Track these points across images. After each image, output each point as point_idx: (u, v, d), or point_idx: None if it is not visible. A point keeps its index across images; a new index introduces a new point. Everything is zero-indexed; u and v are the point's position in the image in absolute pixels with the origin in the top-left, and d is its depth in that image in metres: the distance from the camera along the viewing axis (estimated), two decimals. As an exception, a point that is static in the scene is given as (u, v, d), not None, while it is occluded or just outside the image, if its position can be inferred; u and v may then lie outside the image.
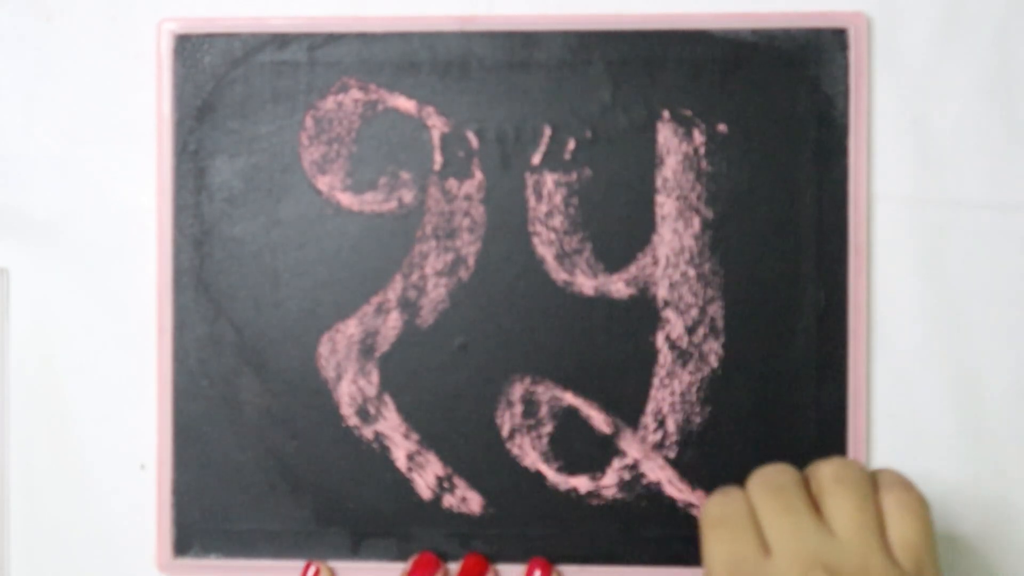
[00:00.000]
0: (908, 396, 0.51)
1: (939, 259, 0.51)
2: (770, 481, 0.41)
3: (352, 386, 0.50)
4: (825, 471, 0.41)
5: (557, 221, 0.50)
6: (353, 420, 0.50)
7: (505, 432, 0.50)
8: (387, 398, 0.50)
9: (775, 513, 0.39)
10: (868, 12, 0.50)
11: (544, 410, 0.50)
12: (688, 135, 0.50)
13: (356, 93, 0.50)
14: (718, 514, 0.40)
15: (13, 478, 0.52)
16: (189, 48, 0.50)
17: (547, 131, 0.50)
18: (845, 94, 0.50)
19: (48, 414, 0.51)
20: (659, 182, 0.50)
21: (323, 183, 0.50)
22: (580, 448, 0.50)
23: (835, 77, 0.50)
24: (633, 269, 0.50)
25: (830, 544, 0.39)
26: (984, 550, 0.51)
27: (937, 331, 0.51)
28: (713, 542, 0.40)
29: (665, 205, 0.50)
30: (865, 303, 0.50)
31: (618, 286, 0.50)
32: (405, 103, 0.50)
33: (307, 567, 0.49)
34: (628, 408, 0.50)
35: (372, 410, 0.50)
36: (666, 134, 0.50)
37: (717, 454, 0.50)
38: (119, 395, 0.51)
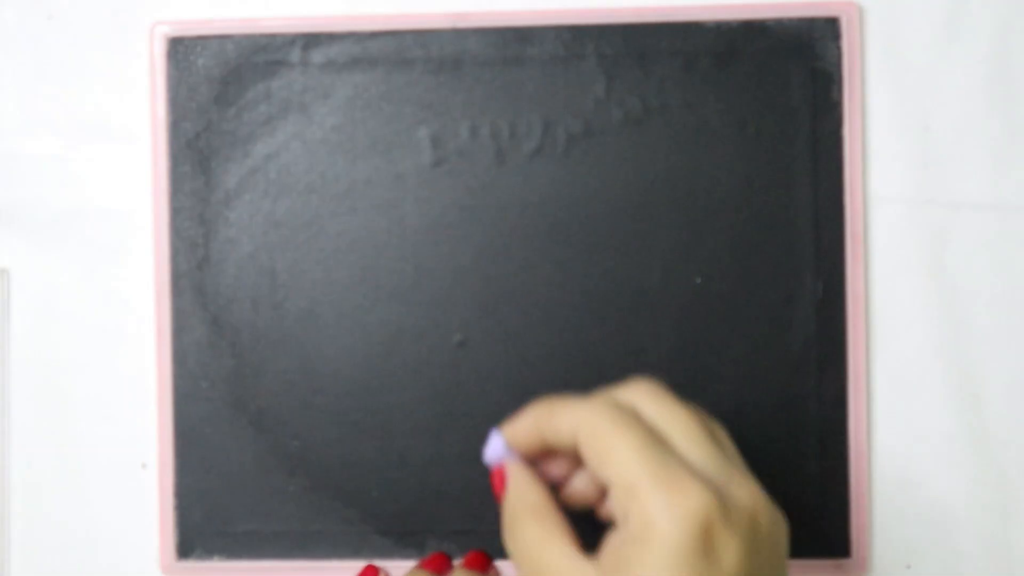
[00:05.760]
0: (908, 394, 0.51)
1: (938, 256, 0.51)
2: (657, 389, 0.39)
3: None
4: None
5: (552, 216, 0.50)
6: (354, 419, 0.50)
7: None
8: (387, 397, 0.50)
9: (685, 424, 0.38)
10: (860, 2, 0.50)
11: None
12: (682, 127, 0.50)
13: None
14: (609, 414, 0.38)
15: (14, 479, 0.52)
16: (182, 51, 0.50)
17: (541, 126, 0.50)
18: (839, 83, 0.50)
19: (48, 414, 0.52)
20: (654, 174, 0.50)
21: (319, 182, 0.51)
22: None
23: (829, 66, 0.50)
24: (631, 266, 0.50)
25: (735, 464, 0.38)
26: (984, 551, 0.50)
27: (937, 331, 0.51)
28: (627, 447, 0.37)
29: (661, 198, 0.50)
30: (863, 293, 0.50)
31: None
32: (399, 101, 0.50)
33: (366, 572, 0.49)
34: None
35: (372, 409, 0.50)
36: (659, 127, 0.50)
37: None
38: (119, 395, 0.51)
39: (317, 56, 0.50)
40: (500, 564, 0.50)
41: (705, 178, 0.50)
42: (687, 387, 0.50)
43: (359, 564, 0.50)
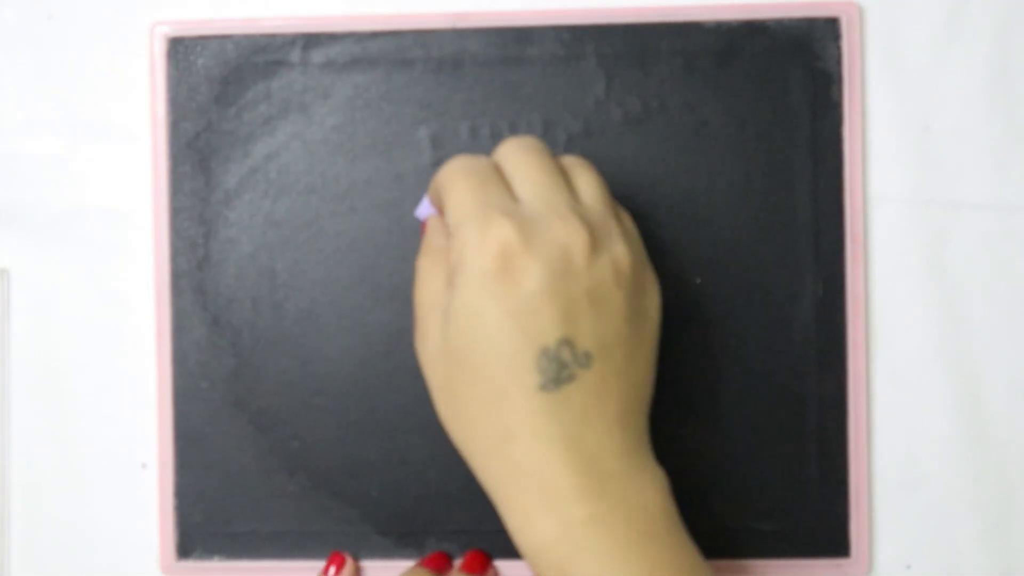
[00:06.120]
0: (908, 394, 0.50)
1: (938, 256, 0.51)
2: (524, 143, 0.43)
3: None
4: (566, 158, 0.44)
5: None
6: (354, 419, 0.50)
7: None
8: (387, 397, 0.50)
9: (529, 169, 0.42)
10: (860, 2, 0.50)
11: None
12: (682, 127, 0.50)
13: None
14: (463, 166, 0.42)
15: (14, 479, 0.52)
16: (182, 51, 0.50)
17: (541, 126, 0.50)
18: (839, 83, 0.50)
19: (48, 414, 0.52)
20: (654, 174, 0.50)
21: (319, 182, 0.51)
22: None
23: (829, 66, 0.50)
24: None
25: (580, 205, 0.42)
26: (984, 551, 0.50)
27: (937, 331, 0.51)
28: (460, 192, 0.41)
29: (661, 198, 0.50)
30: (863, 293, 0.50)
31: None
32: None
33: (332, 559, 0.49)
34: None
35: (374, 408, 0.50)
36: (659, 127, 0.50)
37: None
38: (119, 395, 0.51)
39: (317, 56, 0.50)
40: (500, 564, 0.50)
41: (705, 178, 0.50)
42: (687, 387, 0.50)
43: (362, 563, 0.50)
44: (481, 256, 0.40)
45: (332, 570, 0.49)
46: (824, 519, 0.50)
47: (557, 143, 0.50)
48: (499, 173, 0.42)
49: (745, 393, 0.50)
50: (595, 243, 0.40)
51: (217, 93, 0.51)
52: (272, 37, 0.50)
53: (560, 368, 0.39)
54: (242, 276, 0.51)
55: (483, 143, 0.50)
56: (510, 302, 0.39)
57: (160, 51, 0.50)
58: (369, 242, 0.50)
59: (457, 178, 0.42)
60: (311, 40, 0.50)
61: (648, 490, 0.40)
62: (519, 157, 0.42)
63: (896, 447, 0.50)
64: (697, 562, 0.41)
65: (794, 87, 0.50)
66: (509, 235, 0.39)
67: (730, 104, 0.50)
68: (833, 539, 0.50)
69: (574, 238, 0.40)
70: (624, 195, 0.50)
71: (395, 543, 0.50)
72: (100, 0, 0.52)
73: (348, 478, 0.50)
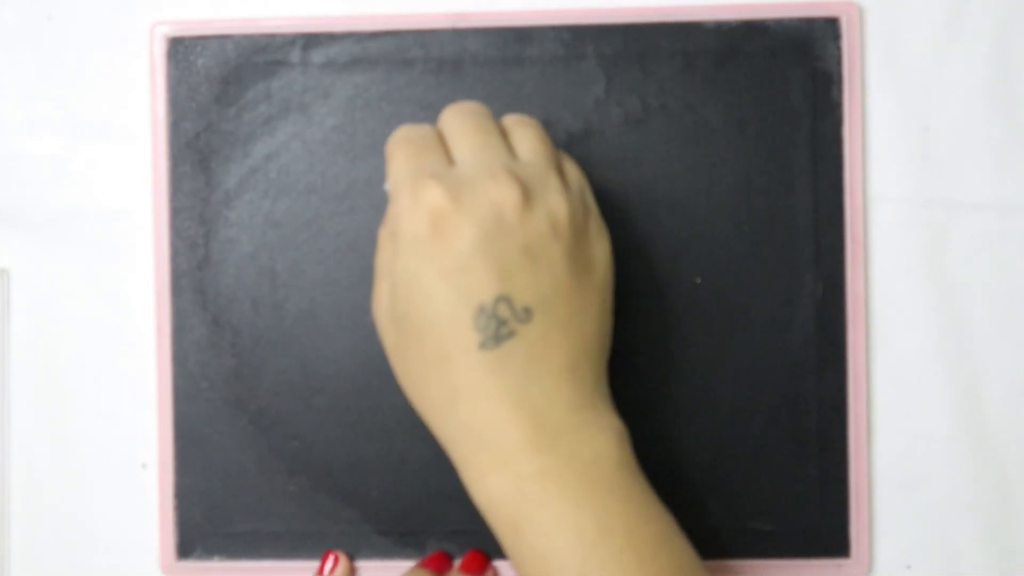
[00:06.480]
0: (908, 394, 0.51)
1: (938, 256, 0.51)
2: (464, 107, 0.43)
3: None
4: (507, 117, 0.44)
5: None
6: (354, 419, 0.50)
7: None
8: (387, 397, 0.50)
9: (465, 132, 0.42)
10: (860, 2, 0.50)
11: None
12: (682, 127, 0.50)
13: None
14: (404, 135, 0.43)
15: (14, 479, 0.52)
16: (182, 51, 0.50)
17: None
18: (839, 83, 0.50)
19: (48, 414, 0.52)
20: (654, 174, 0.50)
21: (319, 182, 0.51)
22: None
23: (829, 66, 0.50)
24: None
25: (515, 162, 0.42)
26: (984, 551, 0.50)
27: (937, 331, 0.51)
28: (397, 160, 0.42)
29: (661, 198, 0.50)
30: (863, 293, 0.50)
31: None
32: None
33: (326, 557, 0.49)
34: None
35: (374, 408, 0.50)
36: (659, 127, 0.50)
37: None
38: (119, 395, 0.51)
39: (317, 56, 0.50)
40: (500, 564, 0.50)
41: (705, 178, 0.50)
42: (687, 387, 0.50)
43: (362, 563, 0.50)
44: (414, 220, 0.40)
45: (329, 566, 0.49)
46: (824, 519, 0.50)
47: (557, 143, 0.50)
48: (439, 140, 0.43)
49: (745, 393, 0.50)
50: (529, 198, 0.40)
51: (217, 93, 0.51)
52: (272, 37, 0.50)
53: (499, 325, 0.40)
54: (242, 276, 0.51)
55: (483, 143, 0.50)
56: (444, 263, 0.40)
57: (160, 51, 0.51)
58: (369, 242, 0.50)
59: (396, 148, 0.42)
60: (311, 40, 0.50)
61: (600, 441, 0.40)
62: (456, 121, 0.43)
63: (896, 447, 0.50)
64: (654, 512, 0.41)
65: (794, 87, 0.50)
66: (439, 198, 0.40)
67: (730, 104, 0.50)
68: (833, 539, 0.50)
69: (505, 195, 0.40)
70: (624, 195, 0.50)
71: (395, 543, 0.50)
72: (100, 0, 0.52)
73: (348, 478, 0.50)
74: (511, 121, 0.44)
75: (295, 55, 0.50)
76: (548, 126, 0.50)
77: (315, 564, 0.50)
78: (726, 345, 0.50)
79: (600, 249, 0.43)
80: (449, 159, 0.42)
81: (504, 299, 0.40)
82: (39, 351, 0.52)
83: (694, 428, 0.50)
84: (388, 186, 0.43)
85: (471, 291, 0.40)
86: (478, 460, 0.40)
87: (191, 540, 0.50)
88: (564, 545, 0.39)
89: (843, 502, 0.50)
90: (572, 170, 0.44)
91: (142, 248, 0.51)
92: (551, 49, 0.50)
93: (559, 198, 0.41)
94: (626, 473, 0.41)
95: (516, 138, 0.43)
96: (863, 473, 0.50)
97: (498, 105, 0.50)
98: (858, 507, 0.50)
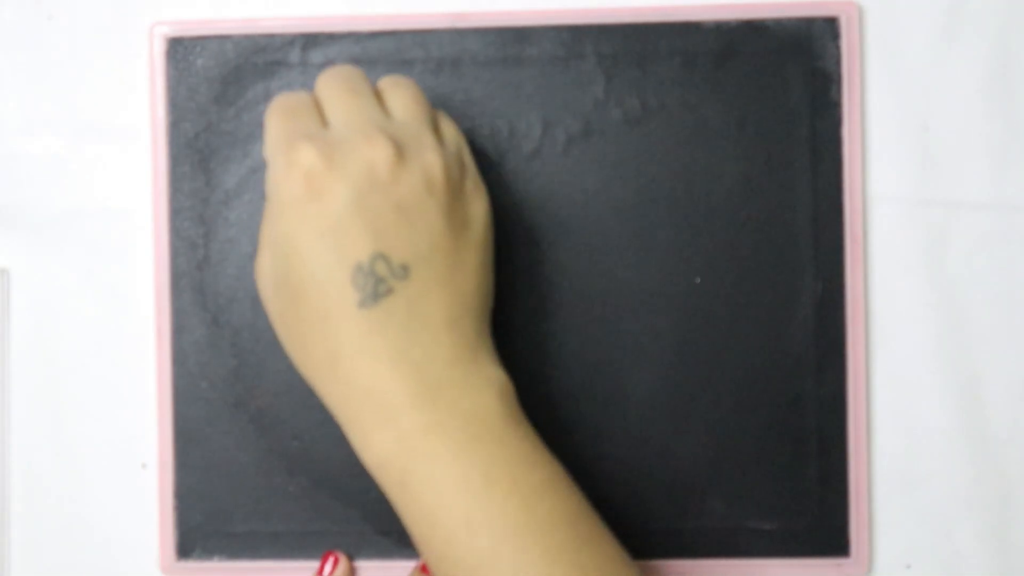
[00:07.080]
0: (908, 394, 0.51)
1: (938, 256, 0.51)
2: (337, 71, 0.44)
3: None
4: (383, 79, 0.45)
5: (551, 216, 0.50)
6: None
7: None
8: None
9: (338, 95, 0.43)
10: (860, 2, 0.50)
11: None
12: (681, 127, 0.50)
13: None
14: (279, 103, 0.43)
15: (14, 479, 0.52)
16: (182, 51, 0.51)
17: (540, 126, 0.50)
18: (838, 83, 0.50)
19: (48, 414, 0.52)
20: (653, 174, 0.50)
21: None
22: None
23: (828, 66, 0.50)
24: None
25: (389, 121, 0.42)
26: (984, 551, 0.50)
27: (937, 331, 0.51)
28: (272, 127, 0.42)
29: (661, 198, 0.50)
30: (863, 293, 0.50)
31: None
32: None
33: (326, 557, 0.49)
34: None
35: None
36: (658, 127, 0.50)
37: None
38: (119, 395, 0.51)
39: (317, 56, 0.50)
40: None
41: (705, 178, 0.50)
42: (687, 387, 0.50)
43: (362, 563, 0.50)
44: (288, 183, 0.41)
45: (329, 566, 0.49)
46: (824, 519, 0.50)
47: (557, 143, 0.50)
48: (314, 105, 0.43)
49: (744, 393, 0.50)
50: (402, 156, 0.41)
51: (217, 93, 0.51)
52: (272, 37, 0.50)
53: (376, 283, 0.40)
54: (242, 276, 0.51)
55: (482, 143, 0.50)
56: (319, 223, 0.40)
57: (160, 51, 0.51)
58: (369, 242, 0.50)
59: (271, 116, 0.43)
60: (310, 40, 0.50)
61: (483, 394, 0.41)
62: (329, 85, 0.43)
63: (896, 447, 0.50)
64: (540, 459, 0.41)
65: (793, 87, 0.50)
66: (312, 159, 0.40)
67: (730, 104, 0.50)
68: (833, 539, 0.50)
69: (378, 153, 0.40)
70: (624, 195, 0.50)
71: (395, 543, 0.50)
72: (100, 0, 0.52)
73: (348, 478, 0.50)
74: (386, 83, 0.44)
75: (294, 55, 0.50)
76: (548, 126, 0.50)
77: (315, 564, 0.50)
78: (726, 345, 0.50)
79: (478, 206, 0.43)
80: (323, 122, 0.42)
81: (381, 257, 0.40)
82: (39, 351, 0.52)
83: (694, 428, 0.50)
84: (266, 153, 0.43)
85: (347, 250, 0.40)
86: (363, 419, 0.41)
87: (191, 540, 0.50)
88: (450, 497, 0.39)
89: (843, 502, 0.50)
90: (449, 129, 0.44)
91: (142, 248, 0.51)
92: (550, 49, 0.50)
93: (434, 155, 0.42)
94: (510, 423, 0.41)
95: (390, 98, 0.44)
96: (863, 473, 0.50)
97: (498, 105, 0.50)
98: (858, 507, 0.50)
